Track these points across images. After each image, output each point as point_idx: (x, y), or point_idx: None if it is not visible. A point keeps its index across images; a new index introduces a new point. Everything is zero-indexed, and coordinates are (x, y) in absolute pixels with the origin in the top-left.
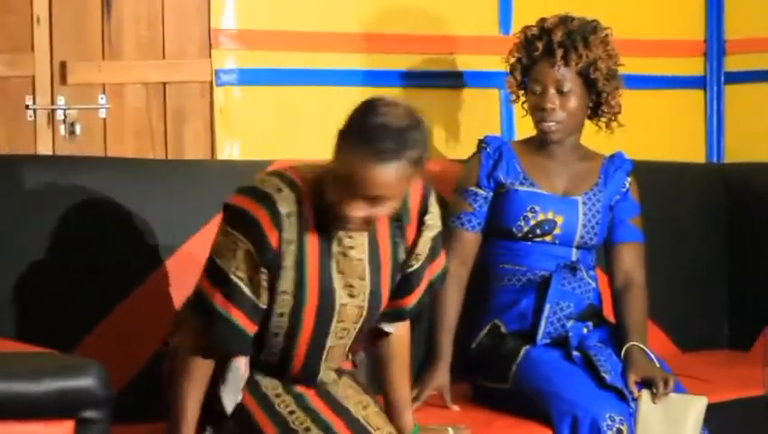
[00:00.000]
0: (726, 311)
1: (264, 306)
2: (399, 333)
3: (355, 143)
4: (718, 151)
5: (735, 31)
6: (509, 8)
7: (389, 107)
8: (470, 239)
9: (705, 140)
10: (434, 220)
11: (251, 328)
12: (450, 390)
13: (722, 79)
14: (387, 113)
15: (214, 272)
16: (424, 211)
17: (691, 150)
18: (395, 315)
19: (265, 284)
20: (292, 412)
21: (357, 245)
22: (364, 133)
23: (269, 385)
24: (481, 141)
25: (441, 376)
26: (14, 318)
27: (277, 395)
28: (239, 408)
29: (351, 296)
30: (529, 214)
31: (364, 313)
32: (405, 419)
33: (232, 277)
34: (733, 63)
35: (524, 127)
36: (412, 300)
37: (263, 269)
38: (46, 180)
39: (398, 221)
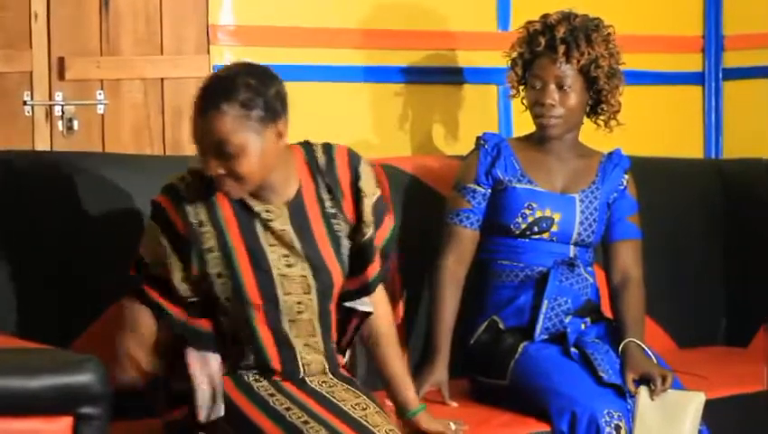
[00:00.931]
0: (724, 307)
1: (177, 283)
2: (379, 312)
3: None
4: (716, 147)
5: (733, 27)
6: (507, 4)
7: (231, 65)
8: (467, 236)
9: (703, 136)
10: (367, 185)
11: (166, 304)
12: (448, 386)
13: (720, 75)
14: (222, 69)
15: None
16: (355, 179)
17: (689, 146)
18: (362, 289)
19: (177, 264)
20: (288, 409)
21: (276, 217)
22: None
23: (262, 387)
24: (479, 138)
25: (439, 373)
26: (9, 314)
27: (271, 395)
28: (233, 409)
29: (289, 265)
30: (527, 211)
31: (312, 282)
32: (406, 394)
33: (142, 255)
34: (731, 59)
35: (522, 124)
36: (374, 271)
37: (172, 253)
38: (44, 176)
39: (329, 193)
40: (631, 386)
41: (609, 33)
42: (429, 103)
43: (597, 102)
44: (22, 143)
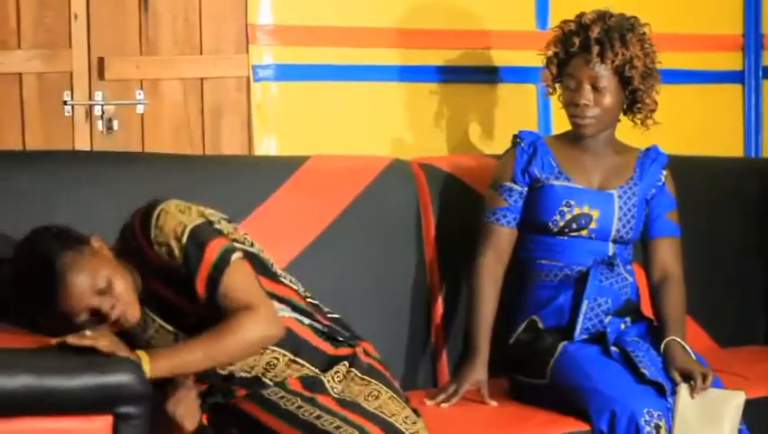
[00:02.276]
0: (764, 306)
1: None
2: None
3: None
4: (756, 145)
5: None
6: (546, 3)
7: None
8: (505, 233)
9: (743, 135)
10: (161, 237)
11: None
12: (488, 385)
13: (760, 73)
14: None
15: None
16: (150, 238)
17: (729, 145)
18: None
19: None
20: (299, 407)
21: (152, 330)
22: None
23: (272, 392)
24: (515, 136)
25: (478, 372)
26: None
27: (281, 397)
28: (243, 416)
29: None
30: (565, 209)
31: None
32: None
33: None
34: None
35: (561, 122)
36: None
37: None
38: (84, 175)
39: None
40: (677, 378)
41: (644, 33)
42: (467, 102)
43: (633, 101)
44: (62, 143)
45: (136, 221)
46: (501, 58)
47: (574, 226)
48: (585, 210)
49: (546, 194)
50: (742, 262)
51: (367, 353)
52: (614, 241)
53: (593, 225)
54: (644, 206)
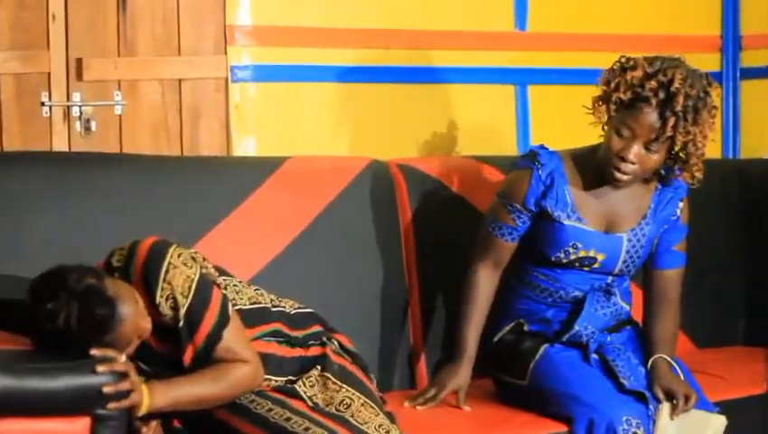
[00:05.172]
0: (742, 307)
1: None
2: None
3: None
4: (734, 147)
5: (750, 26)
6: (524, 4)
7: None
8: (507, 247)
9: (721, 136)
10: (168, 300)
11: None
12: (472, 386)
13: (738, 74)
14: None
15: None
16: (152, 292)
17: (707, 146)
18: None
19: None
20: (270, 410)
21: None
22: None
23: (243, 396)
24: (535, 154)
25: (462, 377)
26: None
27: (251, 401)
28: (214, 421)
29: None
30: (571, 250)
31: None
32: None
33: None
34: (749, 59)
35: (540, 124)
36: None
37: None
38: (61, 177)
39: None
40: (660, 395)
41: (714, 107)
42: (447, 103)
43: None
44: (39, 143)
45: (139, 267)
46: (480, 59)
47: (576, 265)
48: (591, 253)
49: (554, 232)
50: (721, 263)
51: (339, 352)
52: (615, 275)
53: (596, 265)
54: (652, 243)
